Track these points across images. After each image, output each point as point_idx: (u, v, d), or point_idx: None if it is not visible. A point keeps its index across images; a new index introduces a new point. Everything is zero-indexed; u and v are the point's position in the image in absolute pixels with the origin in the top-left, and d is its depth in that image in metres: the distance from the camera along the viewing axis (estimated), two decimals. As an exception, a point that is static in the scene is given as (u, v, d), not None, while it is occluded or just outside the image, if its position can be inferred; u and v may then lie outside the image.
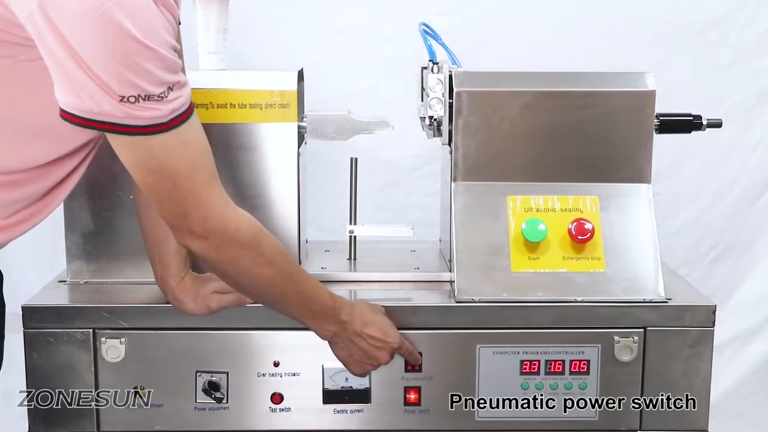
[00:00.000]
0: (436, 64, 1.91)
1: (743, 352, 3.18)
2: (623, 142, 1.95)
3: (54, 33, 1.39)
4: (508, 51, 2.99)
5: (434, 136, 1.96)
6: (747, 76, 3.06)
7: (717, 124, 2.01)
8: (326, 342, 1.80)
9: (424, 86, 1.92)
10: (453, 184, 1.96)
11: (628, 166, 1.96)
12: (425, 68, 1.92)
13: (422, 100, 1.95)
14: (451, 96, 1.95)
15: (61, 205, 1.91)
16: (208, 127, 1.87)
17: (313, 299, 1.74)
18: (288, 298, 1.72)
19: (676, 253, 3.01)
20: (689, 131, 1.99)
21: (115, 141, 1.51)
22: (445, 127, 1.93)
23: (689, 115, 1.98)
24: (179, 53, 1.53)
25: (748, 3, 3.02)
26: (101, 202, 1.94)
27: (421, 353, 1.86)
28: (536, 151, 1.96)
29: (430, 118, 1.93)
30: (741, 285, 3.18)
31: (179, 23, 1.78)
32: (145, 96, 1.44)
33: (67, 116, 1.45)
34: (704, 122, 1.99)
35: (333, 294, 1.76)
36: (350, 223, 2.08)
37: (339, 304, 1.76)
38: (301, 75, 2.00)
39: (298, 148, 1.96)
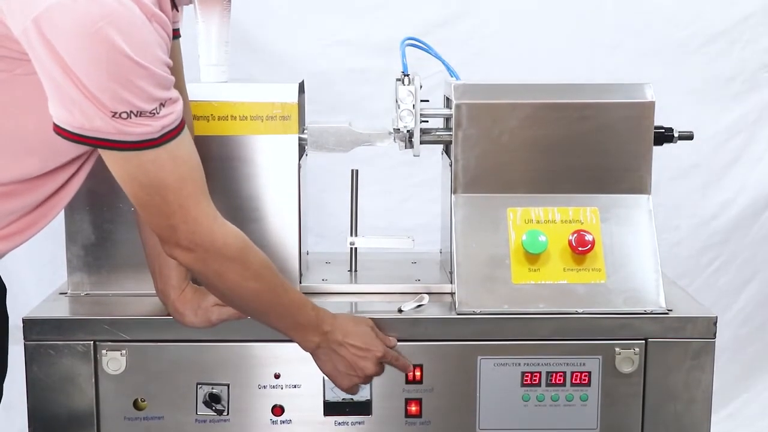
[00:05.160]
0: (407, 75, 1.92)
1: (738, 358, 3.19)
2: (623, 153, 1.95)
3: (48, 49, 1.40)
4: (506, 62, 3.00)
5: (406, 147, 1.96)
6: (750, 89, 3.06)
7: (688, 137, 2.01)
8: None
9: (396, 98, 1.93)
10: (453, 196, 1.96)
11: (628, 177, 1.96)
12: (398, 80, 1.93)
13: (395, 112, 1.96)
14: (449, 107, 1.96)
15: (62, 217, 1.91)
16: (209, 140, 1.89)
17: (297, 311, 1.74)
18: (273, 310, 1.73)
19: (677, 264, 3.01)
20: (660, 143, 1.98)
21: (107, 155, 1.52)
22: (416, 139, 1.93)
23: (660, 127, 1.98)
24: (176, 68, 1.54)
25: (752, 16, 3.02)
26: (102, 214, 1.94)
27: (421, 365, 1.86)
28: (536, 162, 1.96)
29: (402, 129, 1.93)
30: (740, 297, 3.18)
31: (179, 37, 1.79)
32: (137, 112, 1.45)
33: (60, 131, 1.46)
34: (676, 134, 1.99)
35: (316, 306, 1.77)
36: (351, 235, 2.09)
37: (321, 316, 1.77)
38: (301, 87, 2.01)
39: (299, 160, 1.96)
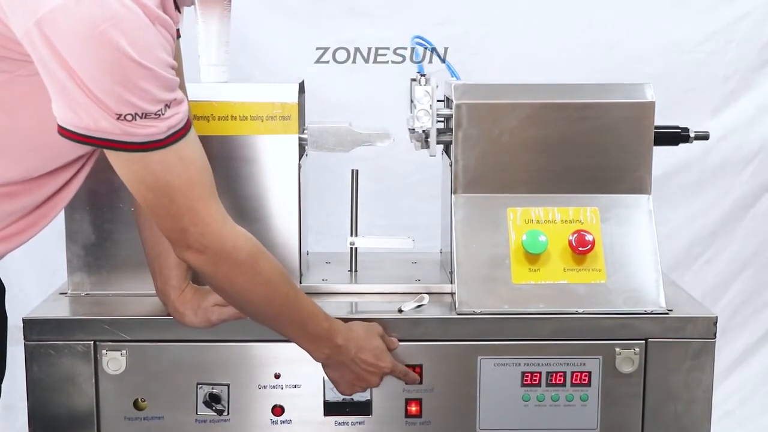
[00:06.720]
0: (424, 76, 1.92)
1: (728, 352, 3.19)
2: (623, 153, 1.95)
3: (51, 51, 1.39)
4: (505, 61, 3.01)
5: (422, 147, 1.96)
6: (744, 88, 3.07)
7: (704, 137, 2.01)
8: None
9: (412, 98, 1.93)
10: (453, 196, 1.96)
11: (628, 177, 1.96)
12: (414, 80, 1.93)
13: (411, 112, 1.97)
14: (450, 107, 1.96)
15: (62, 217, 1.91)
16: (209, 140, 1.89)
17: (308, 321, 1.73)
18: (283, 318, 1.72)
19: (667, 258, 3.02)
20: (677, 143, 1.99)
21: (113, 157, 1.51)
22: (432, 139, 1.93)
23: (677, 127, 1.98)
24: (178, 69, 1.54)
25: (749, 15, 3.03)
26: (102, 214, 1.94)
27: (421, 365, 1.86)
28: (536, 162, 1.96)
29: (418, 129, 1.94)
30: (729, 290, 3.19)
31: (179, 37, 1.79)
32: (142, 114, 1.45)
33: (64, 132, 1.46)
34: (692, 134, 2.00)
35: (329, 316, 1.76)
36: (351, 235, 2.09)
37: (335, 328, 1.76)
38: (302, 87, 2.01)
39: (299, 160, 1.96)
